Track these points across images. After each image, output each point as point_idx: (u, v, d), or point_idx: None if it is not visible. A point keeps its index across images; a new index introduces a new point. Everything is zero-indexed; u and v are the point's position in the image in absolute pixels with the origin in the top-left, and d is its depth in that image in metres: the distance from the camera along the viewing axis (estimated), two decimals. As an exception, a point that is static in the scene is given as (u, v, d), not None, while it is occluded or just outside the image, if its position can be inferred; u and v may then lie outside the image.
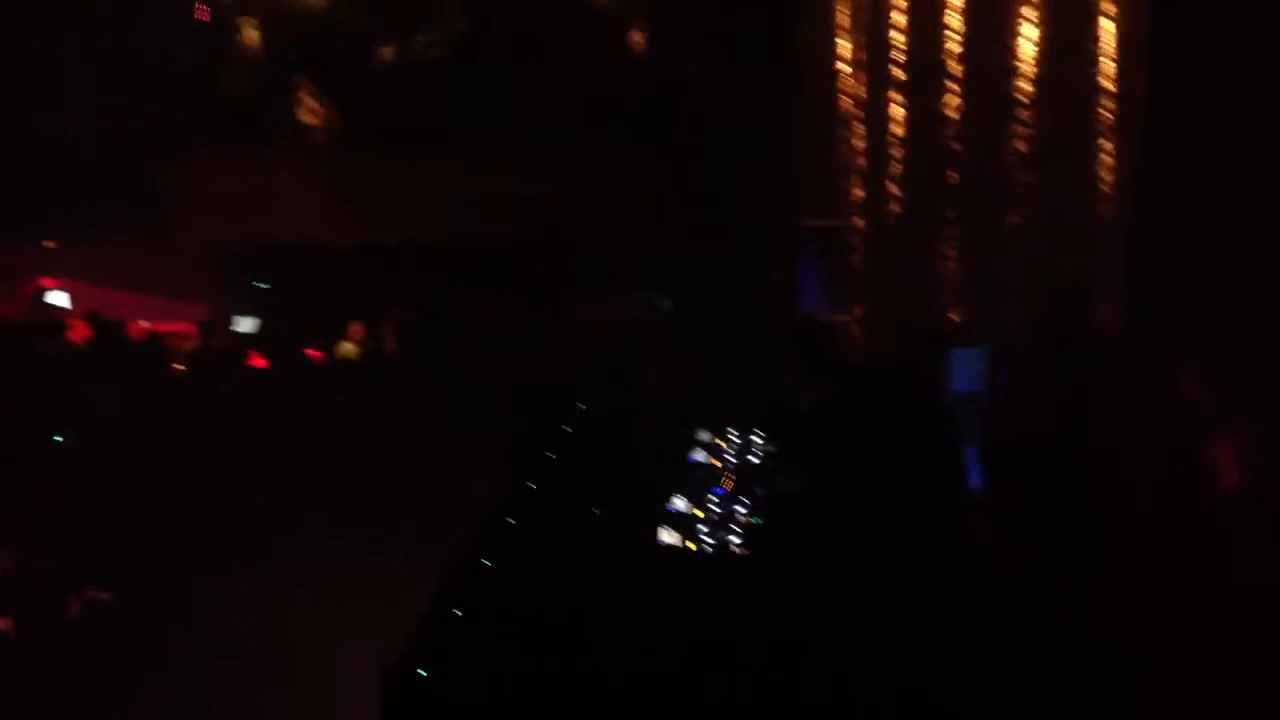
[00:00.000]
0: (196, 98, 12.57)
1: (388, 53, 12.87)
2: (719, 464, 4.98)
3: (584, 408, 5.84)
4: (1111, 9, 10.01)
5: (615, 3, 12.77)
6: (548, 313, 10.33)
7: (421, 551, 5.06)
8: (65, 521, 7.26)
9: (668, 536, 4.28)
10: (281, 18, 12.76)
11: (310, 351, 10.36)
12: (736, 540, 4.24)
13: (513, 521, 4.57)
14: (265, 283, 12.35)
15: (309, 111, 12.78)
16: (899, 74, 10.47)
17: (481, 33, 12.90)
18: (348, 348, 10.45)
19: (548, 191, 12.10)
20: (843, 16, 10.59)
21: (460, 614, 3.97)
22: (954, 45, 10.29)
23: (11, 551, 6.70)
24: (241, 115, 12.45)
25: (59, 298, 12.45)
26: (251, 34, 12.81)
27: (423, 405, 8.79)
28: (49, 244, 12.74)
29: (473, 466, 6.97)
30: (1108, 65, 10.02)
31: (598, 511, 4.59)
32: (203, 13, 12.84)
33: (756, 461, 4.94)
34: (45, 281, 12.68)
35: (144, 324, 11.19)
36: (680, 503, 4.53)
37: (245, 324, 11.99)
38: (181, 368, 9.92)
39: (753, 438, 5.14)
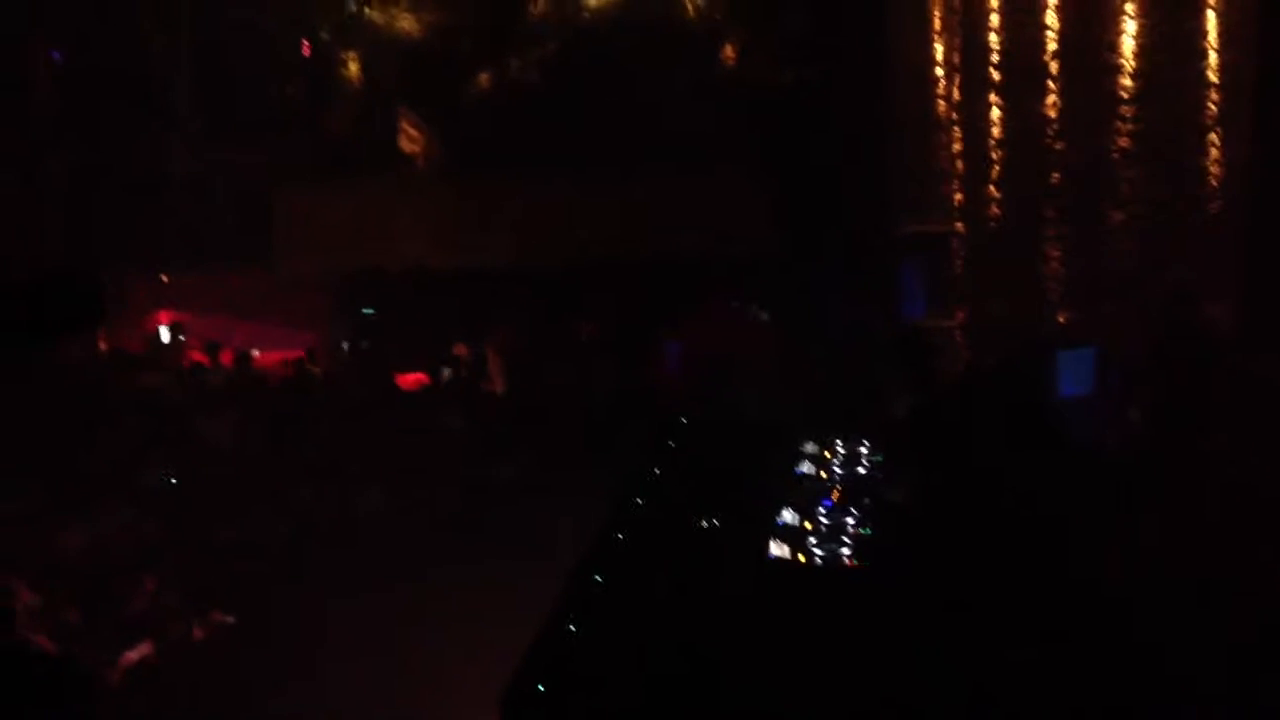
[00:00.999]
0: (302, 130, 12.86)
1: (484, 79, 13.05)
2: (826, 475, 4.96)
3: (689, 422, 5.86)
4: (1216, 2, 9.81)
5: (709, 17, 12.81)
6: (651, 330, 10.38)
7: (534, 570, 5.11)
8: (181, 550, 7.45)
9: (777, 549, 4.27)
10: (380, 50, 13.01)
11: (417, 375, 10.54)
12: (847, 552, 4.22)
13: (623, 538, 4.60)
14: (372, 309, 12.57)
15: (410, 140, 13.01)
16: (996, 75, 10.37)
17: (575, 55, 13.02)
18: (454, 370, 10.59)
19: (647, 209, 12.16)
20: (937, 20, 10.52)
21: (576, 630, 4.01)
22: (1052, 44, 10.16)
23: (139, 581, 6.89)
24: (345, 146, 12.70)
25: (175, 330, 12.80)
26: (353, 67, 13.10)
27: (529, 425, 8.89)
28: (164, 277, 13.10)
29: (580, 483, 7.01)
30: (1212, 58, 9.82)
31: (706, 525, 4.60)
32: (306, 48, 13.15)
33: (864, 472, 4.91)
34: (161, 315, 13.05)
35: (258, 352, 11.45)
36: (789, 515, 4.51)
37: (348, 350, 12.23)
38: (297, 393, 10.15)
39: (859, 448, 5.11)
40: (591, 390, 9.46)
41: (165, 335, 12.85)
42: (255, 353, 11.43)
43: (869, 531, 4.26)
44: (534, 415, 8.99)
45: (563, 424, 8.65)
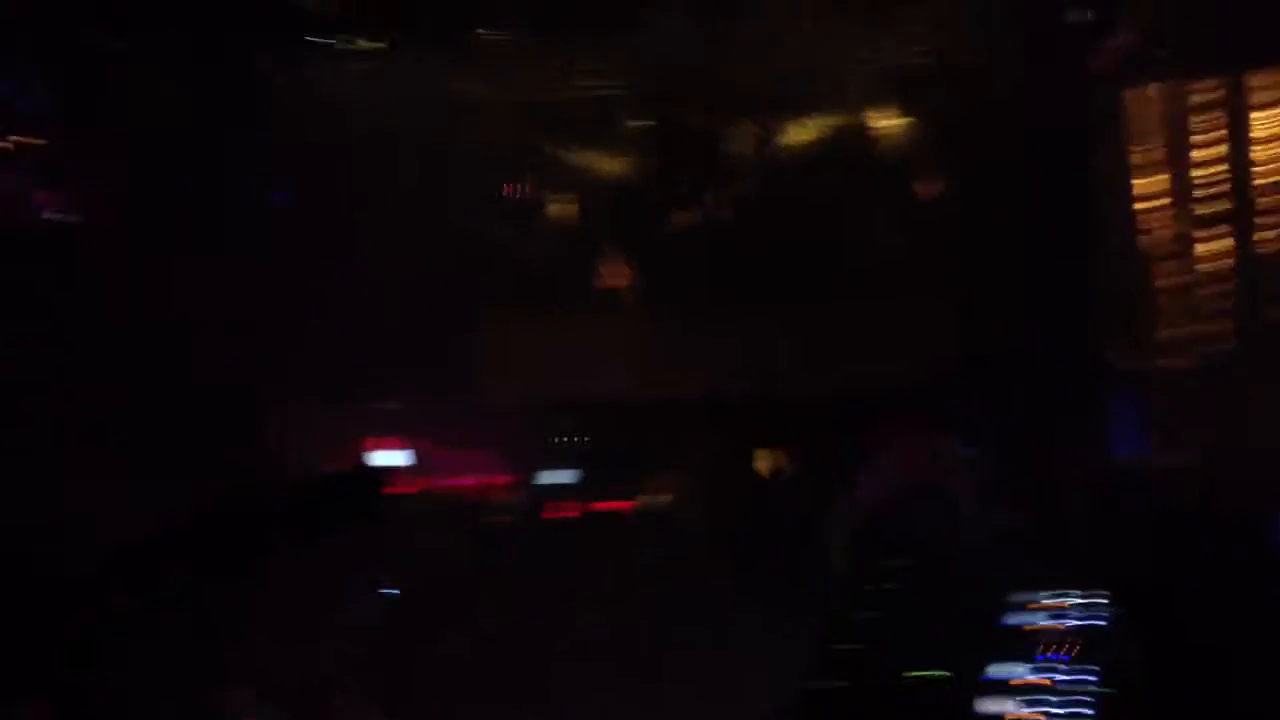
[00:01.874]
0: (509, 266, 13.29)
1: (683, 216, 13.35)
2: (1058, 628, 4.81)
3: (897, 565, 5.77)
4: None
5: (903, 153, 12.88)
6: (847, 462, 10.29)
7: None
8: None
9: (993, 706, 4.16)
10: (584, 189, 13.45)
11: (616, 503, 10.65)
12: (1088, 713, 4.08)
13: (828, 686, 4.54)
14: (575, 436, 12.80)
15: (611, 274, 13.33)
16: (1207, 209, 10.15)
17: (771, 192, 13.24)
18: (652, 499, 10.68)
19: (844, 338, 12.15)
20: (1149, 150, 10.38)
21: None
22: (1271, 177, 9.92)
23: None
24: (550, 280, 13.08)
25: (389, 457, 13.20)
26: (558, 207, 13.56)
27: (721, 558, 8.87)
28: (378, 406, 13.54)
29: (776, 624, 6.94)
30: None
31: (917, 678, 4.52)
32: (511, 189, 13.67)
33: (1101, 626, 4.75)
34: (373, 442, 13.47)
35: (465, 480, 11.74)
36: (1019, 669, 4.40)
37: (553, 477, 12.46)
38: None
39: (1094, 599, 4.95)
40: (787, 524, 9.41)
41: (381, 458, 13.25)
42: (464, 478, 11.73)
43: (1111, 691, 4.11)
44: (735, 548, 8.97)
45: (763, 557, 8.61)
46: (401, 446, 13.04)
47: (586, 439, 12.67)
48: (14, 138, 11.68)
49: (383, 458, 12.96)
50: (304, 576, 8.62)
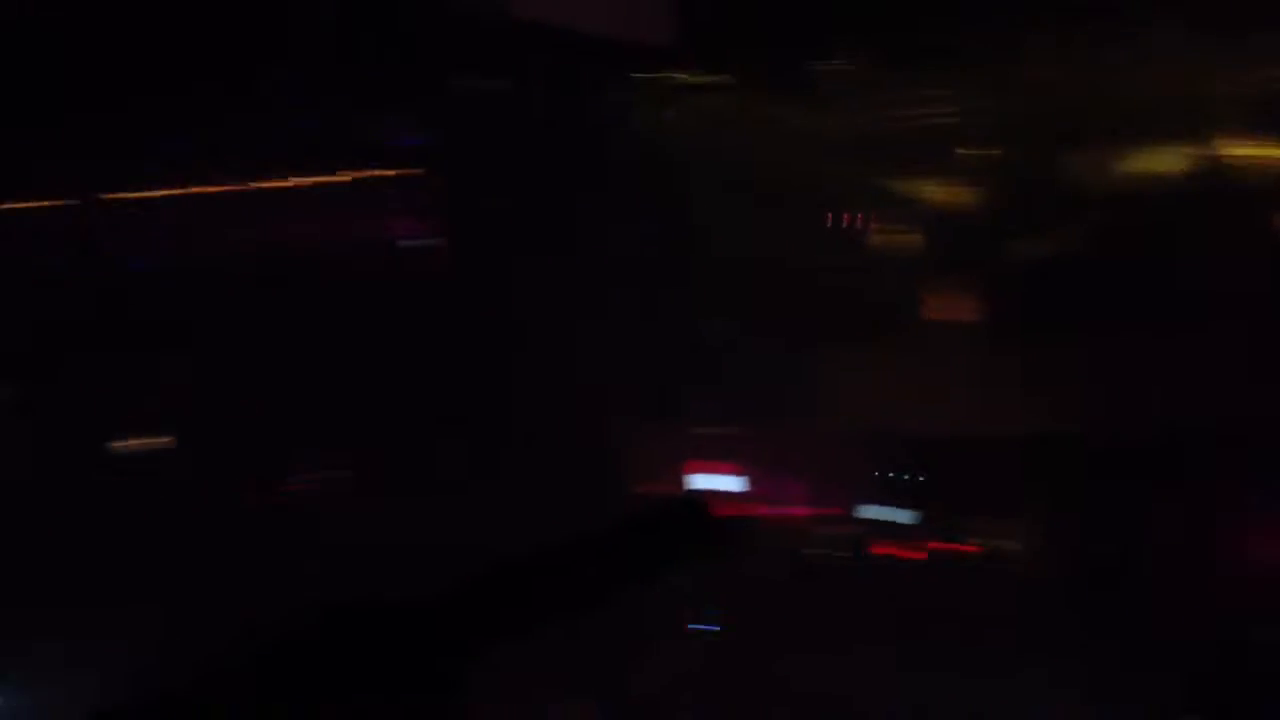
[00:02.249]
0: (847, 297, 13.23)
1: (1025, 245, 12.95)
2: None
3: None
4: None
5: (1267, 187, 12.06)
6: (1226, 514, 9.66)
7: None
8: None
9: None
10: (929, 220, 13.25)
11: (953, 545, 10.37)
12: None
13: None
14: (906, 473, 12.58)
15: (955, 307, 13.07)
16: None
17: (1118, 222, 12.68)
18: (994, 543, 10.33)
19: (1201, 376, 11.46)
20: None
21: None
22: None
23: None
24: (888, 311, 12.95)
25: (712, 480, 13.34)
26: (897, 237, 13.40)
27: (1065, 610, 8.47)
28: (704, 429, 13.71)
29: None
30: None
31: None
32: (849, 219, 13.62)
33: None
34: (696, 465, 13.64)
35: (793, 509, 11.71)
36: None
37: (882, 513, 12.26)
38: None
39: None
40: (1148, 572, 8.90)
41: (702, 482, 13.40)
42: (792, 508, 11.70)
43: None
44: (1083, 603, 8.55)
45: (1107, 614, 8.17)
46: (731, 471, 13.14)
47: (921, 475, 12.43)
48: (386, 171, 12.56)
49: (709, 481, 13.10)
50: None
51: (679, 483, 13.44)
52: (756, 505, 11.51)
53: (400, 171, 12.88)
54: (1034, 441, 11.71)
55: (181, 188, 11.06)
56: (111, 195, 10.90)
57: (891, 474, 12.56)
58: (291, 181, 11.92)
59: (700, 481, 13.42)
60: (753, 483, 12.57)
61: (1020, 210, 13.45)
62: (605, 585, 4.35)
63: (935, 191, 13.36)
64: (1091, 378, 12.14)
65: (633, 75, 13.18)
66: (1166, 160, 12.56)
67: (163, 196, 11.04)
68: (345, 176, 12.09)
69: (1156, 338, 11.95)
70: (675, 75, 13.47)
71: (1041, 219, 13.32)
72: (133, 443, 10.14)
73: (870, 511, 11.91)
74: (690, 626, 8.57)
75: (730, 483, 13.04)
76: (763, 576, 9.69)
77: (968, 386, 12.28)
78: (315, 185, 12.13)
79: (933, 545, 10.25)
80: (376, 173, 12.22)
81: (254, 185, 11.41)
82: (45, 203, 10.26)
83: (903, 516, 11.97)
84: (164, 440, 10.36)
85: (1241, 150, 12.12)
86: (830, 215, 13.99)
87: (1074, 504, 10.65)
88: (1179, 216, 12.62)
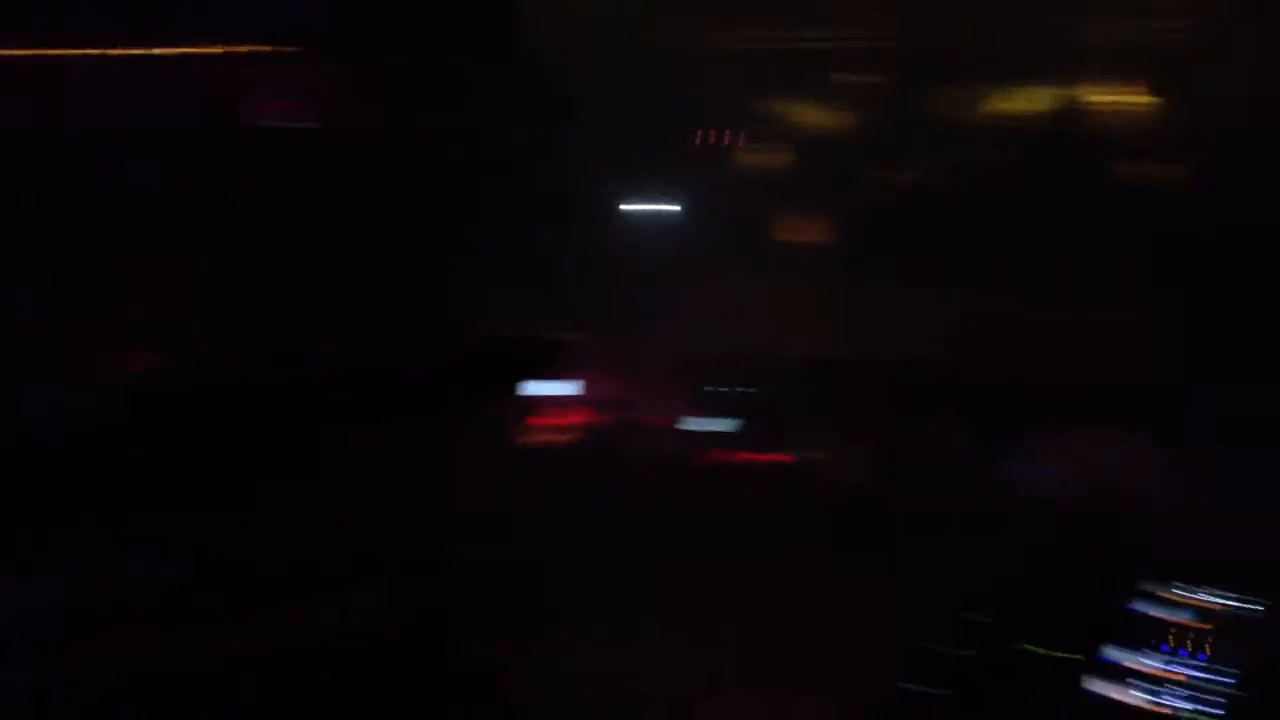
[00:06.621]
0: (707, 218, 13.20)
1: (887, 178, 13.03)
2: (1195, 624, 4.43)
3: (1040, 545, 5.47)
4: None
5: (1144, 136, 12.27)
6: (1024, 446, 9.89)
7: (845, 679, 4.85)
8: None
9: (1106, 688, 3.84)
10: (790, 146, 13.25)
11: (775, 456, 10.51)
12: (1216, 711, 3.71)
13: (951, 653, 4.29)
14: (751, 390, 12.70)
15: (812, 233, 13.12)
16: None
17: (981, 161, 12.80)
18: (815, 456, 10.52)
19: (1038, 326, 11.70)
20: None
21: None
22: None
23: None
24: (746, 232, 12.94)
25: (548, 386, 13.30)
26: (762, 160, 13.38)
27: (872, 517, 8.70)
28: (573, 337, 13.63)
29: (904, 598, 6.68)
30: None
31: (1039, 653, 4.22)
32: (718, 139, 13.55)
33: (1242, 625, 4.35)
34: (556, 373, 13.59)
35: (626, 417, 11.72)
36: (1148, 660, 4.04)
37: (710, 425, 12.41)
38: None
39: (1238, 599, 4.54)
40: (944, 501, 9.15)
41: (559, 390, 13.37)
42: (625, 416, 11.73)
43: (1249, 695, 3.74)
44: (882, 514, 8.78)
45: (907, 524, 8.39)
46: (570, 377, 13.12)
47: (754, 391, 12.53)
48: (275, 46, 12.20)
49: (549, 386, 13.06)
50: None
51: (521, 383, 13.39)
52: (595, 410, 11.53)
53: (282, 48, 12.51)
54: (850, 365, 11.93)
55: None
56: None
57: (719, 388, 12.67)
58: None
59: (541, 386, 13.39)
60: (592, 389, 12.58)
61: (882, 142, 13.51)
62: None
63: (800, 115, 13.34)
64: (934, 318, 12.33)
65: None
66: (1040, 103, 12.71)
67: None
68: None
69: (1010, 283, 12.17)
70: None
71: (903, 152, 13.40)
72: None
73: (697, 422, 12.01)
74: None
75: (568, 388, 13.02)
76: (599, 474, 9.79)
77: (814, 311, 12.38)
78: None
79: (751, 455, 10.39)
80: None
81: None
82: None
83: (725, 427, 12.09)
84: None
85: (1102, 95, 12.31)
86: (701, 133, 13.90)
87: (881, 422, 10.90)
88: (1048, 161, 12.79)
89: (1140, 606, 4.44)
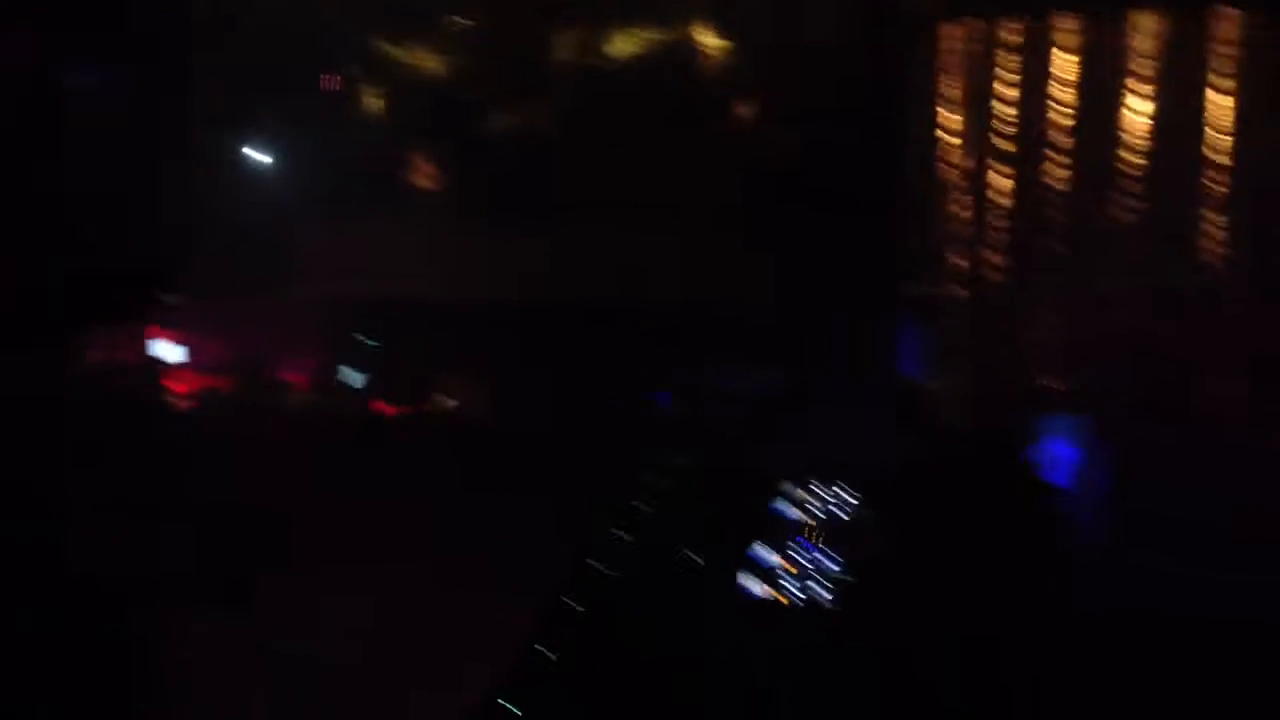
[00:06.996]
0: (320, 162, 12.95)
1: (500, 122, 13.17)
2: (810, 520, 5.04)
3: (679, 465, 5.95)
4: (1225, 85, 9.95)
5: (725, 80, 12.93)
6: (643, 377, 10.42)
7: (511, 600, 5.17)
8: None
9: (756, 587, 4.36)
10: (402, 88, 13.14)
11: (407, 403, 10.55)
12: (826, 595, 4.29)
13: (604, 569, 4.67)
14: (373, 339, 12.64)
15: (424, 177, 13.12)
16: (1005, 146, 10.50)
17: (591, 105, 13.13)
18: (447, 402, 10.62)
19: (652, 262, 12.23)
20: (951, 92, 10.67)
21: (552, 655, 4.07)
22: (1061, 120, 10.30)
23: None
24: (362, 179, 12.80)
25: (170, 349, 12.83)
26: (373, 102, 13.23)
27: (522, 457, 8.94)
28: (169, 298, 13.14)
29: (561, 518, 7.09)
30: (1217, 140, 9.95)
31: (686, 559, 4.69)
32: (329, 81, 13.28)
33: (848, 519, 4.99)
34: (159, 332, 13.06)
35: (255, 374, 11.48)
36: (770, 555, 4.59)
37: (353, 377, 12.29)
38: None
39: (845, 495, 5.19)
40: (580, 428, 9.54)
41: (170, 355, 12.89)
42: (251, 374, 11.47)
43: (850, 577, 4.33)
44: (515, 448, 9.04)
45: (548, 457, 8.71)
46: (178, 340, 12.68)
47: (381, 340, 12.51)
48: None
49: (167, 350, 12.59)
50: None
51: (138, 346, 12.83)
52: (213, 373, 11.23)
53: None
54: (490, 310, 12.15)
55: None
56: None
57: (355, 338, 12.59)
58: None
59: (158, 347, 12.87)
60: (210, 350, 12.23)
61: (496, 84, 13.67)
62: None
63: (412, 58, 13.28)
64: (549, 257, 12.66)
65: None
66: (639, 45, 13.20)
67: None
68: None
69: (619, 227, 12.65)
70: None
71: (518, 94, 13.61)
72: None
73: (338, 374, 11.91)
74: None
75: (178, 351, 12.59)
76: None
77: (431, 255, 12.46)
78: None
79: (386, 406, 10.43)
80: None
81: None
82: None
83: (363, 379, 12.07)
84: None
85: (711, 43, 12.95)
86: (312, 73, 13.53)
87: (522, 368, 11.21)
88: (649, 102, 13.31)
89: (778, 509, 5.02)
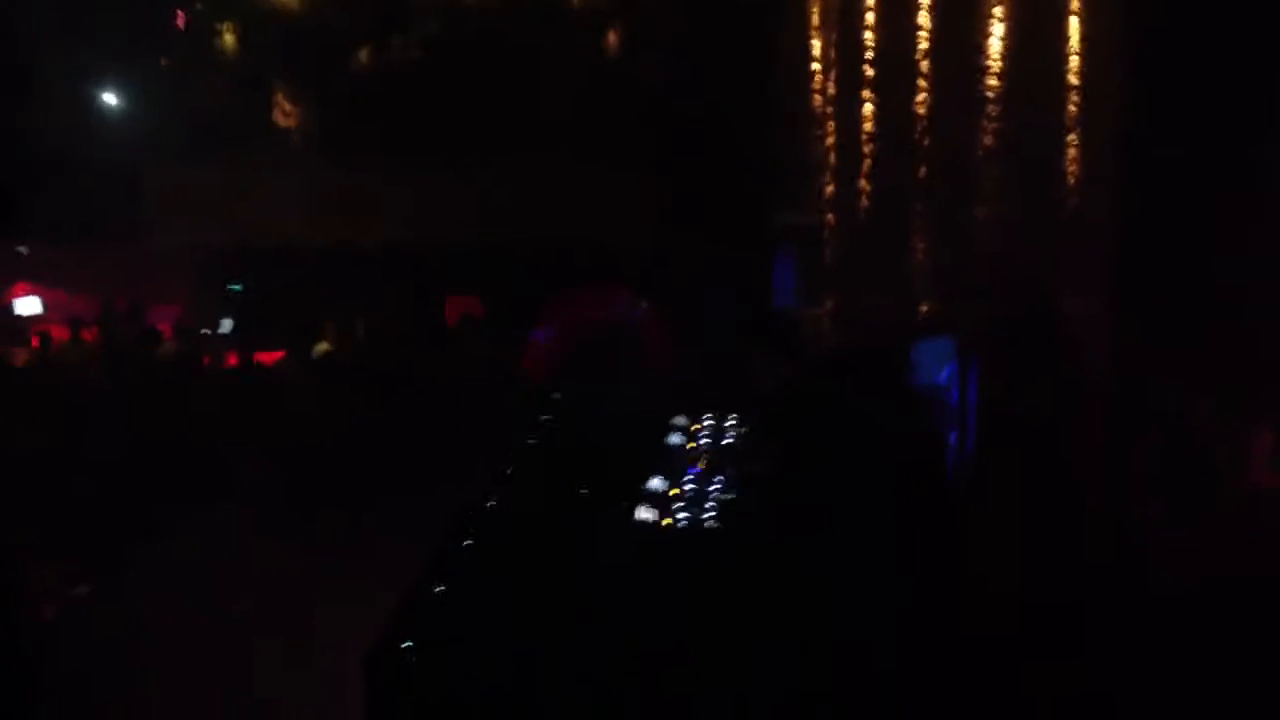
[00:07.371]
0: (175, 103, 12.59)
1: (364, 56, 12.92)
2: (694, 446, 5.11)
3: (565, 400, 5.96)
4: (1080, 7, 10.17)
5: (591, 7, 12.84)
6: (525, 314, 10.41)
7: (402, 541, 5.15)
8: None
9: (645, 514, 4.42)
10: (258, 22, 12.78)
11: (280, 353, 10.40)
12: (710, 516, 4.36)
13: (493, 505, 4.68)
14: (240, 285, 12.40)
15: (285, 115, 12.82)
16: (870, 72, 10.60)
17: (457, 36, 12.95)
18: (322, 347, 10.48)
19: (524, 196, 12.19)
20: (815, 16, 10.72)
21: (444, 594, 4.06)
22: (923, 43, 10.43)
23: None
24: (220, 120, 12.46)
25: (30, 303, 12.46)
26: (229, 39, 12.84)
27: (401, 402, 8.91)
28: (22, 249, 12.73)
29: (453, 457, 7.06)
30: (1076, 61, 10.19)
31: (578, 493, 4.72)
32: (180, 19, 12.86)
33: (730, 444, 5.07)
34: (18, 287, 12.67)
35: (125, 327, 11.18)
36: (657, 482, 4.65)
37: (222, 325, 12.06)
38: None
39: (726, 422, 5.27)
40: (467, 368, 9.53)
41: (25, 308, 12.52)
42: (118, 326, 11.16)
43: (731, 497, 4.42)
44: (407, 392, 9.01)
45: (436, 401, 8.69)
46: (35, 292, 12.33)
47: (253, 286, 12.27)
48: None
49: (27, 304, 12.21)
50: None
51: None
52: (73, 325, 10.92)
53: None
54: (364, 253, 12.00)
55: None
56: None
57: (224, 286, 12.34)
58: None
59: (20, 303, 12.49)
60: (70, 302, 11.90)
61: (357, 18, 13.31)
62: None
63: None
64: (422, 195, 12.48)
65: None
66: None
67: None
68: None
69: (489, 161, 12.51)
70: None
71: (378, 29, 13.27)
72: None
73: (203, 325, 11.67)
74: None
75: (34, 304, 12.23)
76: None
77: (298, 198, 12.21)
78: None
79: (260, 354, 10.26)
80: None
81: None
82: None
83: (231, 328, 11.85)
84: None
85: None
86: (163, 13, 13.05)
87: (403, 311, 11.11)
88: (520, 35, 13.12)
89: (669, 441, 5.09)
